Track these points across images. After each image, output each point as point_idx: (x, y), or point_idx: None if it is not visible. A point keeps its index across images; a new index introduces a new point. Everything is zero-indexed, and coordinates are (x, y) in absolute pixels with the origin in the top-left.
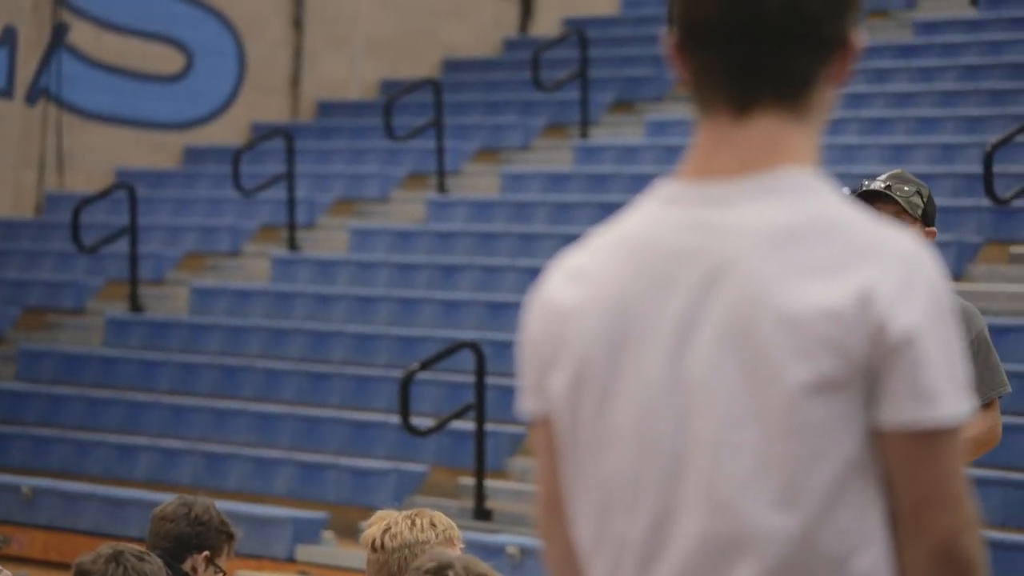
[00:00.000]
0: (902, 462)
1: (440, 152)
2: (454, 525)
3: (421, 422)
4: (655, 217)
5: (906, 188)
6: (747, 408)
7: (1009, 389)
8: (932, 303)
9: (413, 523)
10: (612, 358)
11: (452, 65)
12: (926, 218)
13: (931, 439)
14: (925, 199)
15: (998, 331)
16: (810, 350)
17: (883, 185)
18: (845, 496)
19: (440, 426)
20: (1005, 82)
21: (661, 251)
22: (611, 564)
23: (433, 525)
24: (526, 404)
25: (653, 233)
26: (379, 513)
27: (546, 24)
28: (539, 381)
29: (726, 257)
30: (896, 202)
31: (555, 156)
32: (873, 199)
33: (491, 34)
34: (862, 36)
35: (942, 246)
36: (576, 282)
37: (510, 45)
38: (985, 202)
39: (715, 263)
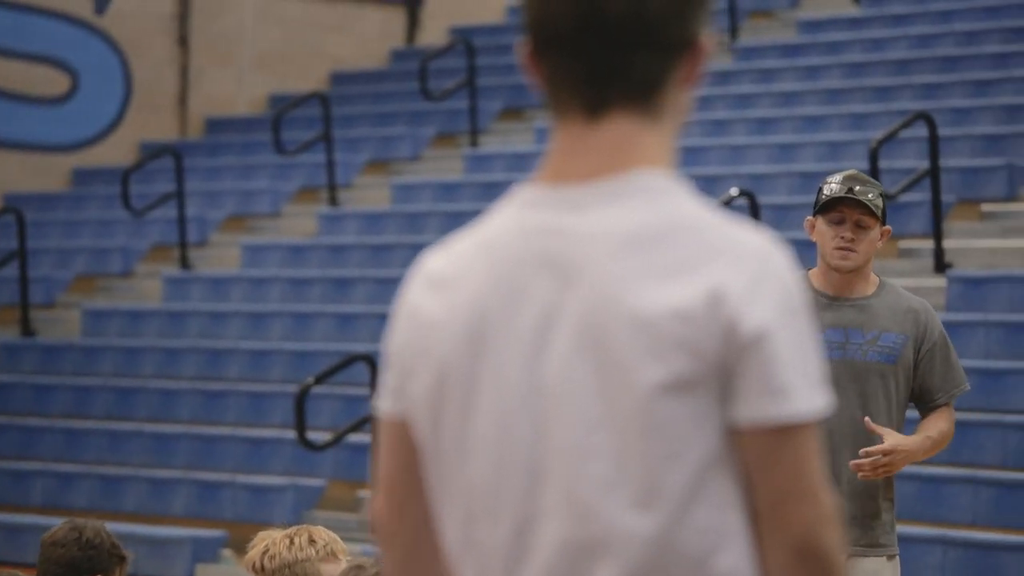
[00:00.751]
0: (759, 459)
1: (330, 165)
2: (337, 539)
3: (318, 436)
4: (512, 222)
5: (869, 192)
6: (603, 411)
7: (968, 387)
8: (783, 300)
9: (291, 542)
10: (472, 366)
11: (340, 78)
12: (883, 218)
13: (786, 435)
14: (882, 199)
15: None
16: (663, 351)
17: (847, 189)
18: (704, 495)
19: (337, 440)
20: (888, 79)
21: (518, 257)
22: (477, 570)
23: (312, 542)
24: (383, 403)
25: (510, 239)
26: (260, 534)
27: (433, 34)
28: (400, 386)
29: (580, 262)
30: (862, 205)
31: (445, 166)
32: (838, 203)
33: (378, 46)
34: (711, 38)
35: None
36: (436, 289)
37: (397, 56)
38: None
39: (569, 268)
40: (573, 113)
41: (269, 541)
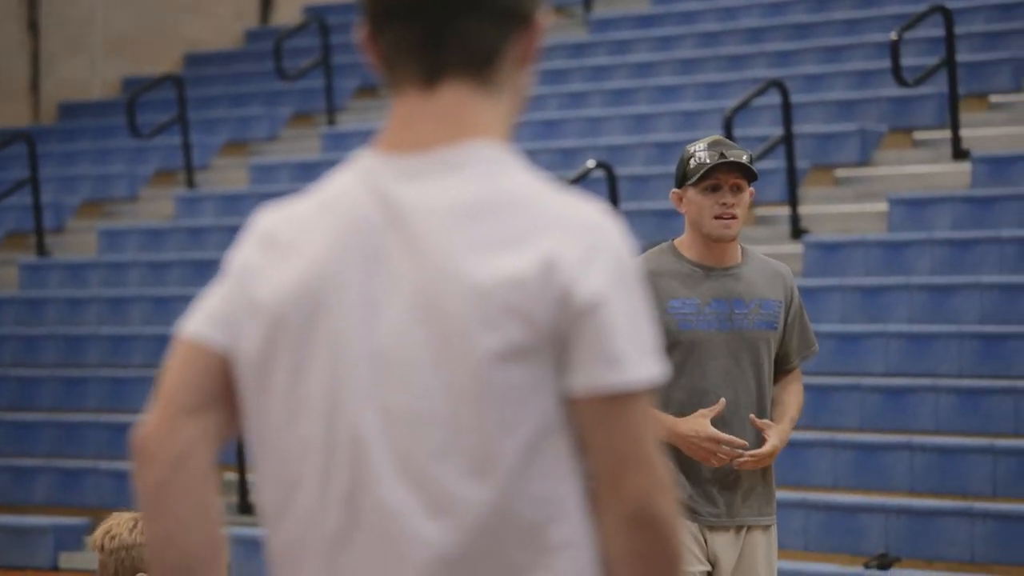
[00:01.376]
0: (593, 427)
1: (186, 148)
2: None
3: None
4: (350, 188)
5: (741, 154)
6: (438, 379)
7: (818, 349)
8: (616, 270)
9: (135, 525)
10: (306, 328)
11: (194, 59)
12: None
13: (620, 403)
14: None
15: None
16: (496, 319)
17: (718, 155)
18: (539, 464)
19: None
20: (741, 47)
21: (354, 223)
22: (298, 533)
23: None
24: (199, 326)
25: (346, 204)
26: (115, 514)
27: (286, 14)
28: (228, 329)
29: (415, 231)
30: (738, 167)
31: (303, 145)
32: (713, 171)
33: (232, 26)
34: (547, 16)
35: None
36: (272, 248)
37: (251, 36)
38: None
39: (405, 236)
40: (410, 83)
41: (114, 522)
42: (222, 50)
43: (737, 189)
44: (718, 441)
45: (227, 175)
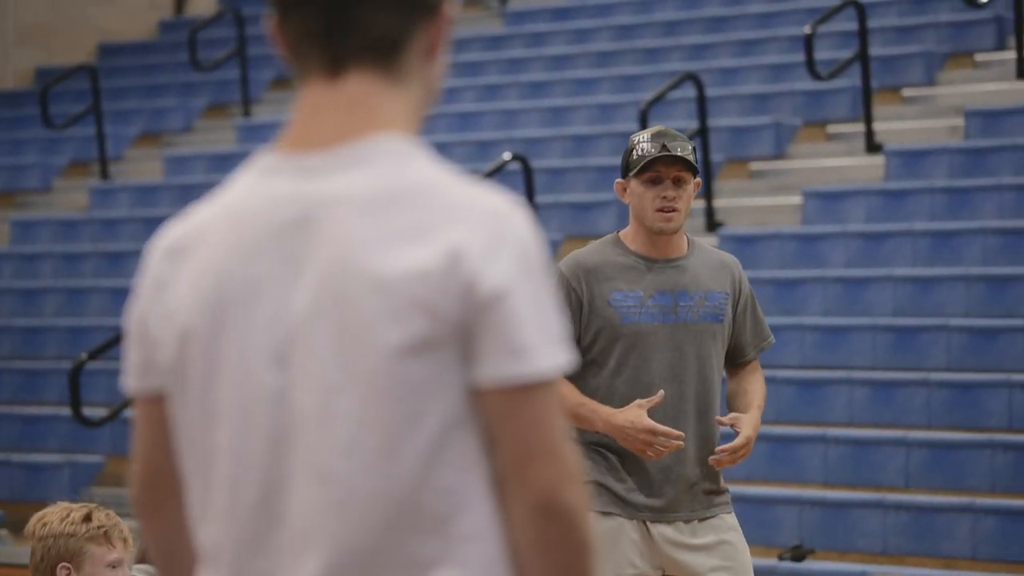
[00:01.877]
0: (500, 418)
1: (100, 138)
2: (121, 527)
3: (94, 412)
4: (254, 189)
5: (682, 146)
6: (344, 375)
7: (774, 340)
8: (522, 260)
9: (67, 515)
10: (213, 332)
11: (108, 50)
12: (696, 171)
13: (527, 393)
14: (694, 153)
15: None
16: (402, 312)
17: (660, 147)
18: (446, 456)
19: (113, 415)
20: (657, 40)
21: (257, 223)
22: (221, 538)
23: (87, 519)
24: (131, 381)
25: (252, 205)
26: (56, 504)
27: (201, 4)
28: (148, 359)
29: (321, 227)
30: (680, 160)
31: (218, 136)
32: (655, 163)
33: (146, 17)
34: (453, 5)
35: (604, 205)
36: (176, 258)
37: (166, 27)
38: None
39: (308, 233)
40: (316, 72)
41: (51, 510)
42: (136, 40)
43: (679, 182)
44: (654, 432)
45: (141, 166)
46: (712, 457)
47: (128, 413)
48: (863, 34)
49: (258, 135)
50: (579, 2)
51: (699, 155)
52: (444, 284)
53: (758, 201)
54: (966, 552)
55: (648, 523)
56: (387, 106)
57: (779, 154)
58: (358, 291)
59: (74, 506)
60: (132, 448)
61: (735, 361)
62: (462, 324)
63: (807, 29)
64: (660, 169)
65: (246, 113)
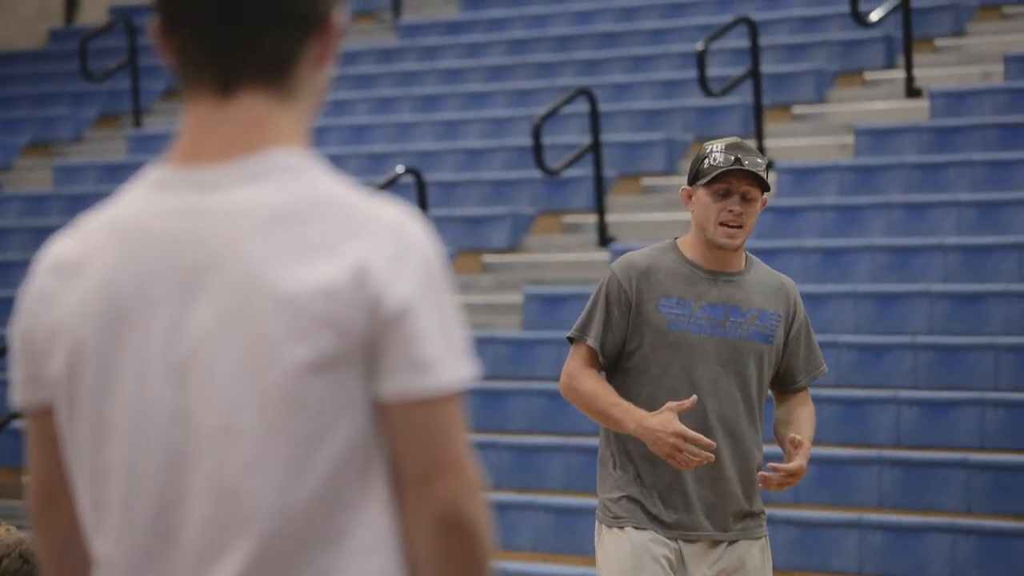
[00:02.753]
0: (403, 432)
1: None
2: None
3: None
4: (143, 204)
5: (756, 160)
6: (247, 392)
7: (826, 368)
8: (424, 273)
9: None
10: (107, 348)
11: None
12: (766, 188)
13: (430, 407)
14: (765, 169)
15: (552, 299)
16: (308, 329)
17: (734, 159)
18: (349, 471)
19: (1, 427)
20: (550, 55)
21: (153, 238)
22: (114, 554)
23: None
24: (18, 396)
25: (143, 220)
26: None
27: (92, 14)
28: (34, 373)
29: (218, 243)
30: (751, 175)
31: (109, 147)
32: (726, 175)
33: (36, 26)
34: (343, 15)
35: (497, 219)
36: (64, 272)
37: (56, 36)
38: (537, 174)
39: (207, 249)
40: (204, 90)
41: None
42: (26, 49)
43: (748, 198)
44: (684, 437)
45: (31, 176)
46: (762, 473)
47: (16, 424)
48: (755, 51)
49: (149, 145)
50: (473, 16)
51: (592, 170)
52: (351, 300)
53: (650, 216)
54: (852, 567)
55: (679, 540)
56: (280, 121)
57: (671, 170)
58: (262, 308)
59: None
60: (27, 462)
61: (785, 387)
62: (368, 340)
63: (699, 46)
64: (731, 182)
65: (137, 123)
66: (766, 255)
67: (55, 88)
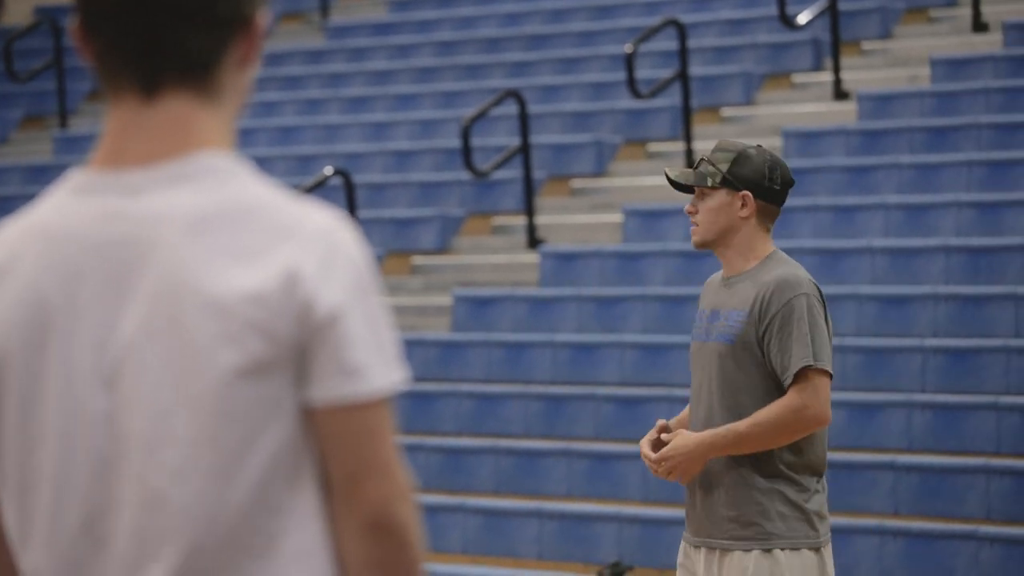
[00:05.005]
0: (333, 437)
1: None
2: None
3: None
4: (67, 208)
5: (705, 159)
6: (176, 398)
7: (812, 361)
8: (353, 279)
9: None
10: (33, 355)
11: None
12: (736, 182)
13: (359, 412)
14: (725, 164)
15: (481, 301)
16: (237, 335)
17: (674, 168)
18: (279, 477)
19: None
20: (479, 56)
21: (76, 243)
22: (42, 563)
23: None
24: None
25: (66, 225)
26: None
27: (17, 14)
28: None
29: (145, 247)
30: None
31: (35, 148)
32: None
33: None
34: (266, 16)
35: (426, 221)
36: None
37: None
38: (466, 175)
39: (134, 253)
40: (127, 92)
41: None
42: None
43: (703, 195)
44: (646, 456)
45: None
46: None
47: None
48: (683, 54)
49: (75, 147)
50: (401, 18)
51: (521, 172)
52: (280, 306)
53: (579, 219)
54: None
55: (691, 547)
56: (204, 124)
57: (600, 172)
58: (191, 313)
59: None
60: None
61: (782, 385)
62: (297, 346)
63: (628, 48)
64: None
65: (63, 124)
66: (694, 258)
67: None
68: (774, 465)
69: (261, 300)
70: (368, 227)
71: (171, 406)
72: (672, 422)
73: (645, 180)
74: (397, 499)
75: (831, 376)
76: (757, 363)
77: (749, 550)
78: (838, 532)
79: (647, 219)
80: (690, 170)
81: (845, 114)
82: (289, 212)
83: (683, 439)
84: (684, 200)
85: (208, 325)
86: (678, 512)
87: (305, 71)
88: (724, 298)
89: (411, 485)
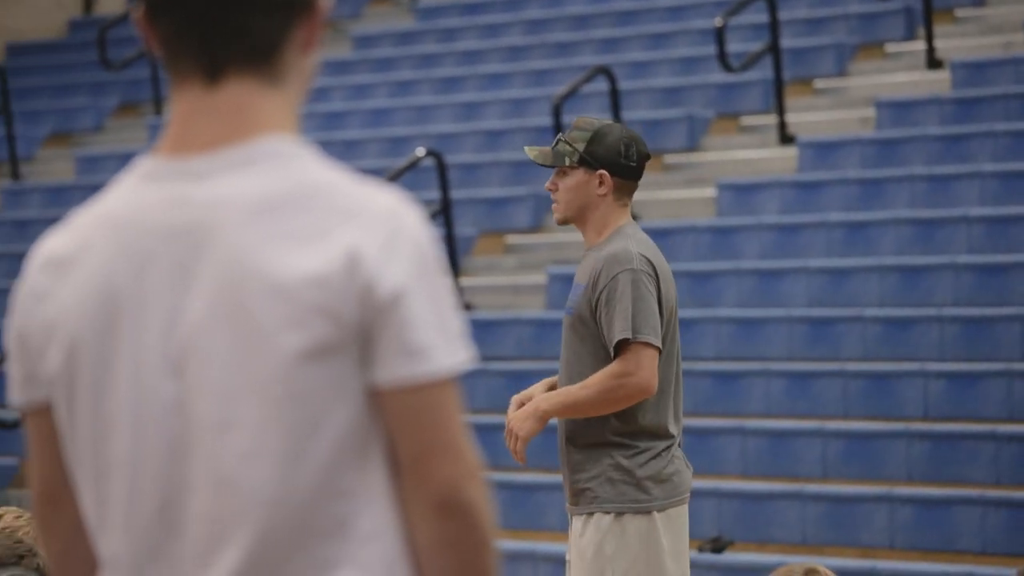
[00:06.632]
0: (400, 419)
1: (10, 139)
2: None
3: (8, 414)
4: (134, 196)
5: (561, 139)
6: (243, 382)
7: (627, 335)
8: (416, 259)
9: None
10: (104, 342)
11: (16, 50)
12: (592, 161)
13: (426, 393)
14: (582, 143)
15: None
16: (301, 318)
17: (531, 147)
18: (346, 459)
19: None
20: (568, 34)
21: (144, 229)
22: (119, 549)
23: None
24: (15, 396)
25: (134, 212)
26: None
27: (110, 3)
28: (31, 371)
29: (209, 232)
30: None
31: (129, 135)
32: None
33: (55, 16)
34: (328, 0)
35: (518, 200)
36: (57, 269)
37: (75, 26)
38: None
39: (200, 238)
40: (191, 78)
41: None
42: (45, 40)
43: (562, 173)
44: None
45: (52, 167)
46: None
47: None
48: (774, 26)
49: None
50: None
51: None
52: (343, 288)
53: (672, 194)
54: (883, 541)
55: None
56: (268, 108)
57: (692, 147)
58: (255, 297)
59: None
60: (28, 463)
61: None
62: (361, 327)
63: (718, 21)
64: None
65: (157, 111)
66: (789, 231)
67: (75, 78)
68: (602, 433)
69: (324, 282)
70: (461, 207)
71: (238, 390)
72: (523, 395)
73: (738, 154)
74: (466, 478)
75: (656, 348)
76: (592, 335)
77: (581, 514)
78: (941, 503)
79: (741, 193)
80: (548, 149)
81: (939, 83)
82: (352, 194)
83: (532, 405)
84: (779, 173)
85: (272, 309)
86: (777, 486)
87: (396, 53)
88: (578, 271)
89: (480, 464)
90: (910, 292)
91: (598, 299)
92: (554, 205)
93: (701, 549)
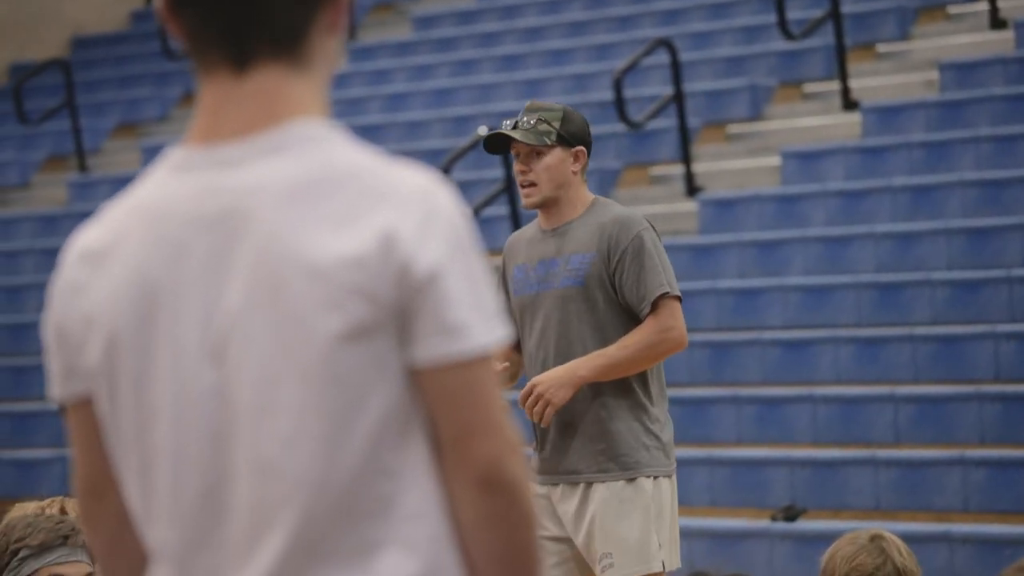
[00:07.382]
0: (439, 397)
1: (77, 132)
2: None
3: None
4: (166, 186)
5: (529, 119)
6: (283, 366)
7: (668, 289)
8: (451, 238)
9: (43, 511)
10: (142, 333)
11: (80, 43)
12: (569, 139)
13: (464, 370)
14: (557, 123)
15: None
16: (339, 300)
17: (501, 126)
18: (388, 439)
19: None
20: (628, 7)
21: (177, 220)
22: (167, 537)
23: (63, 514)
24: (56, 389)
25: (168, 202)
26: (18, 505)
27: None
28: (71, 365)
29: (244, 218)
30: (526, 135)
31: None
32: (504, 141)
33: (117, 8)
34: None
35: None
36: (93, 261)
37: (137, 17)
38: (620, 127)
39: (234, 225)
40: (218, 67)
41: (24, 505)
42: (108, 32)
43: (534, 155)
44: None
45: (120, 158)
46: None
47: None
48: None
49: None
50: None
51: (676, 121)
52: (379, 269)
53: (736, 164)
54: (958, 505)
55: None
56: (296, 93)
57: (756, 116)
58: (292, 281)
59: (41, 502)
60: (71, 457)
61: (638, 319)
62: (398, 307)
63: None
64: (513, 145)
65: None
66: (855, 197)
67: (139, 69)
68: (633, 398)
69: (360, 264)
70: None
71: (278, 375)
72: None
73: (802, 122)
74: (506, 455)
75: (681, 302)
76: (608, 299)
77: (617, 480)
78: (1014, 465)
79: (805, 161)
80: (521, 131)
81: (1003, 43)
82: (385, 176)
83: (550, 371)
84: (843, 140)
85: (310, 292)
86: (848, 453)
87: (457, 32)
88: (554, 247)
89: (519, 441)
90: (978, 254)
91: (619, 261)
92: (529, 189)
93: (774, 518)
